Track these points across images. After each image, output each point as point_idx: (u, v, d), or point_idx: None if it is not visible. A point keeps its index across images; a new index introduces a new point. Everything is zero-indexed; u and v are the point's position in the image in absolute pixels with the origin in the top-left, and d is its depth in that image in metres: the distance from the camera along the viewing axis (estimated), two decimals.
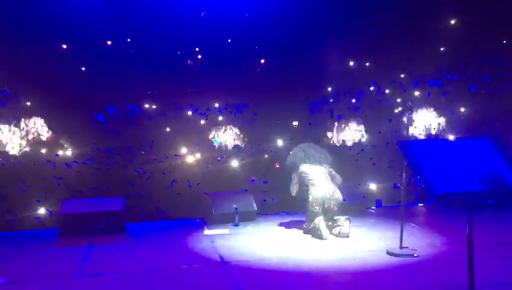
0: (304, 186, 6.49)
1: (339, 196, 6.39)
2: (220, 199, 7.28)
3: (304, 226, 6.49)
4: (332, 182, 6.47)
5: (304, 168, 6.49)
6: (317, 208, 6.28)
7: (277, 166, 10.49)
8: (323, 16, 20.14)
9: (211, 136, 14.42)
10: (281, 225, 7.03)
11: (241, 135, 14.48)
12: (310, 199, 6.33)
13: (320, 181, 6.36)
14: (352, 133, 14.89)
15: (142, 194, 8.87)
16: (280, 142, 12.58)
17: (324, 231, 6.12)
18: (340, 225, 6.28)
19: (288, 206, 8.00)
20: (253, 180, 8.33)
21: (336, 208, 6.36)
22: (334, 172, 6.65)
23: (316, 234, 6.19)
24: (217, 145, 13.87)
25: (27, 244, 6.39)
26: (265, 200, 8.23)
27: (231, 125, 14.85)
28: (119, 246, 6.21)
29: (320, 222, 6.18)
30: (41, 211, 7.71)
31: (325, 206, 6.30)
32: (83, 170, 10.10)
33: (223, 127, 14.77)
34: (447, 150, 3.18)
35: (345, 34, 19.28)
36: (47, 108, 15.31)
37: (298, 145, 6.85)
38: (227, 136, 14.51)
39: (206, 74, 19.29)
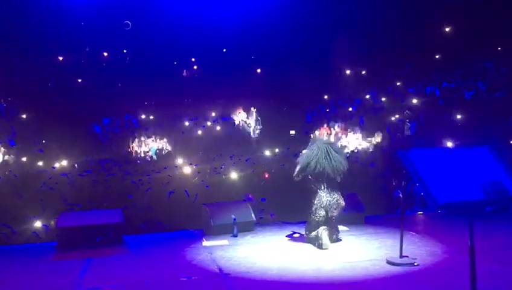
0: (310, 185, 6.32)
1: (342, 204, 6.33)
2: (218, 210, 7.24)
3: (305, 234, 6.44)
4: (336, 190, 6.31)
5: (316, 170, 6.18)
6: (321, 216, 6.19)
7: (266, 176, 10.48)
8: (319, 26, 20.27)
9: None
10: (280, 235, 6.99)
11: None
12: (314, 206, 6.23)
13: (327, 188, 6.24)
14: (353, 140, 14.96)
15: (140, 206, 8.83)
16: (273, 151, 12.58)
17: (326, 240, 6.08)
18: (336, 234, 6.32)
19: (287, 216, 7.97)
20: (250, 198, 8.25)
21: (336, 216, 6.30)
22: (338, 179, 6.31)
23: (317, 243, 6.15)
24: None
25: (25, 258, 6.33)
26: (261, 218, 8.18)
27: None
28: (117, 259, 6.16)
29: (323, 231, 6.12)
30: (39, 224, 7.65)
31: (328, 215, 6.24)
32: (80, 182, 10.06)
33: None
34: (447, 159, 3.18)
35: (341, 42, 19.38)
36: (43, 120, 15.29)
37: (319, 141, 6.40)
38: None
39: (202, 84, 19.34)
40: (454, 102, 15.25)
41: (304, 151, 6.49)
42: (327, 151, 6.20)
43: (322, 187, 6.25)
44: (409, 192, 8.14)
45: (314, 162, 6.18)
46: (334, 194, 6.25)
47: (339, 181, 6.28)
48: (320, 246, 6.09)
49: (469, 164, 3.16)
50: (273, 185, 9.82)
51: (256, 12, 21.17)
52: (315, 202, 6.25)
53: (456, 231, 6.56)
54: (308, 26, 20.29)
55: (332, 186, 6.26)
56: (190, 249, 6.38)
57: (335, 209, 6.23)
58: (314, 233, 6.22)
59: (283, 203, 8.69)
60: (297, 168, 6.37)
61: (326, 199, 6.21)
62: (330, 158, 6.17)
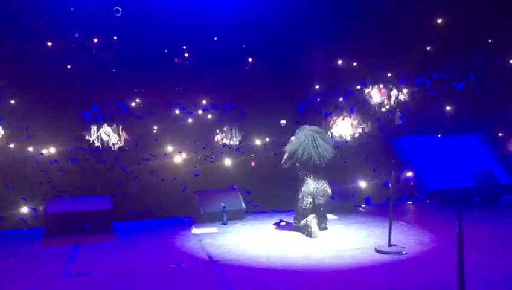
0: (297, 172, 6.37)
1: (328, 192, 6.36)
2: (208, 198, 7.23)
3: (294, 222, 6.46)
4: (323, 178, 6.34)
5: (303, 158, 6.22)
6: (308, 203, 6.23)
7: (252, 164, 10.48)
8: (311, 15, 20.21)
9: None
10: (269, 223, 7.00)
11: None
12: (301, 193, 6.27)
13: (314, 176, 6.27)
14: (345, 127, 15.00)
15: (129, 193, 8.79)
16: (263, 140, 12.57)
17: (315, 228, 6.10)
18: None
19: (277, 204, 7.98)
20: (234, 188, 8.23)
21: (323, 203, 6.31)
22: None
23: (306, 231, 6.17)
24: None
25: (13, 244, 6.28)
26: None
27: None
28: (106, 246, 6.13)
29: (312, 219, 6.14)
30: (26, 210, 7.59)
31: (315, 202, 6.26)
32: (68, 169, 9.99)
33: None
34: (438, 147, 3.18)
35: (333, 33, 19.38)
36: (32, 107, 15.14)
37: (306, 129, 6.38)
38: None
39: (193, 72, 19.24)
40: (445, 93, 15.32)
41: (291, 138, 6.52)
42: (314, 138, 6.23)
43: (309, 175, 6.28)
44: (398, 182, 8.18)
45: (301, 149, 6.22)
46: (321, 182, 6.28)
47: (323, 166, 6.28)
48: (309, 235, 6.11)
49: (459, 152, 3.17)
50: (263, 174, 9.83)
51: (249, 3, 21.07)
52: (302, 189, 6.29)
53: (444, 221, 6.61)
54: (301, 16, 20.24)
55: (319, 174, 6.29)
56: (179, 237, 6.36)
57: (322, 196, 6.26)
58: (303, 221, 6.24)
59: (273, 192, 8.70)
60: (285, 155, 6.41)
61: (313, 186, 6.24)
62: (317, 145, 6.21)
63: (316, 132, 6.35)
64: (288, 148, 6.39)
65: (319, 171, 6.29)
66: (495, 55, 16.87)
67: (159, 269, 5.17)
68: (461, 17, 18.52)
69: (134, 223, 7.31)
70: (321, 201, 6.28)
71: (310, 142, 6.21)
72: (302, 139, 6.26)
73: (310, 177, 6.28)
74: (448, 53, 17.70)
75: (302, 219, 6.27)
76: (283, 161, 6.43)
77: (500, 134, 12.31)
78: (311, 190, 6.24)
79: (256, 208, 8.29)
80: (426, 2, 19.06)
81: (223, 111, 17.03)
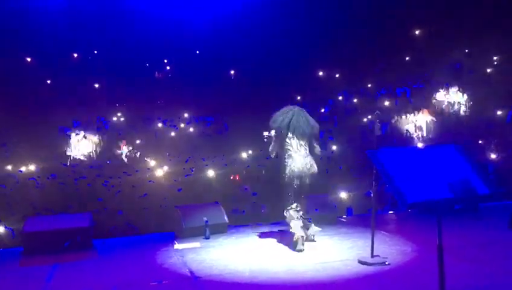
0: (283, 153, 6.34)
1: (314, 170, 6.32)
2: (190, 212, 7.16)
3: (286, 213, 6.30)
4: (310, 155, 6.34)
5: (287, 136, 6.27)
6: (294, 182, 6.17)
7: (236, 177, 10.44)
8: (292, 27, 20.37)
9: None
10: (252, 236, 6.96)
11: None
12: (287, 171, 6.21)
13: (299, 154, 6.24)
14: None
15: (110, 209, 8.68)
16: (248, 153, 12.53)
17: (300, 246, 6.02)
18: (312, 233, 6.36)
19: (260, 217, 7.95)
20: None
21: (308, 182, 6.28)
22: (315, 143, 6.48)
23: (291, 239, 6.12)
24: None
25: None
26: (244, 212, 8.19)
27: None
28: (86, 264, 6.02)
29: (299, 238, 6.05)
30: (2, 229, 7.42)
31: (301, 180, 6.22)
32: (48, 186, 9.82)
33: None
34: (415, 158, 3.19)
35: (314, 44, 19.54)
36: (11, 122, 14.90)
37: (287, 108, 6.48)
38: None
39: (175, 85, 19.18)
40: (425, 103, 15.51)
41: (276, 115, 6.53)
42: (299, 112, 6.41)
43: (296, 148, 6.25)
44: (379, 192, 8.22)
45: (288, 118, 6.31)
46: (307, 158, 6.29)
47: (309, 141, 6.36)
48: (294, 246, 6.06)
49: (437, 163, 3.18)
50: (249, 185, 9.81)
51: (229, 15, 21.16)
52: (288, 162, 6.22)
53: (426, 230, 6.63)
54: (281, 29, 20.37)
55: (305, 152, 6.29)
56: (161, 253, 6.28)
57: (308, 169, 6.22)
58: (291, 230, 6.14)
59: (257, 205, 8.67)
60: (273, 138, 6.40)
61: (299, 160, 6.20)
62: (304, 117, 6.38)
63: (299, 110, 6.48)
64: (275, 119, 6.43)
65: (304, 147, 6.30)
66: (471, 64, 17.17)
67: (141, 286, 5.08)
68: (439, 27, 18.86)
69: (115, 240, 7.20)
70: (307, 181, 6.25)
71: (297, 115, 6.36)
72: (290, 114, 6.38)
73: (295, 151, 6.24)
74: (426, 63, 17.97)
75: (290, 200, 6.20)
76: (271, 149, 6.45)
77: (480, 141, 12.46)
78: (299, 165, 6.19)
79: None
80: (404, 13, 19.37)
81: (205, 124, 16.96)
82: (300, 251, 6.00)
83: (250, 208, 8.73)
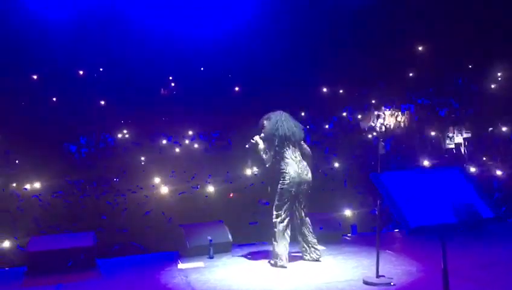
0: (277, 162, 6.15)
1: (310, 176, 6.22)
2: (194, 231, 7.13)
3: (273, 218, 6.16)
4: (304, 160, 6.24)
5: (281, 143, 6.12)
6: (293, 189, 6.04)
7: (231, 195, 10.38)
8: (296, 44, 20.50)
9: None
10: (256, 255, 6.91)
11: None
12: (287, 179, 6.03)
13: (295, 160, 6.15)
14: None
15: (114, 228, 8.65)
16: (252, 169, 12.49)
17: (285, 262, 6.03)
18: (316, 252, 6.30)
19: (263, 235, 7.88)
20: (266, 203, 8.12)
21: (307, 190, 6.18)
22: (304, 145, 6.39)
23: (274, 260, 6.09)
24: None
25: None
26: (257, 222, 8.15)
27: None
28: (89, 284, 5.99)
29: (284, 252, 6.04)
30: (7, 248, 7.41)
31: (300, 187, 6.11)
32: (53, 204, 9.82)
33: None
34: (419, 181, 3.18)
35: (317, 61, 19.64)
36: (17, 139, 14.98)
37: (274, 115, 6.30)
38: None
39: (179, 102, 19.29)
40: (429, 119, 15.51)
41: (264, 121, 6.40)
42: (286, 117, 6.28)
43: (290, 153, 6.14)
44: (384, 210, 8.17)
45: (280, 123, 6.17)
46: (302, 162, 6.21)
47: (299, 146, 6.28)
48: (275, 264, 6.05)
49: (441, 186, 3.17)
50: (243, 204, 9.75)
51: (234, 32, 21.34)
52: (286, 169, 6.06)
53: (432, 249, 6.53)
54: (285, 45, 20.51)
55: (299, 157, 6.20)
56: (165, 272, 6.25)
57: (306, 174, 6.14)
58: (275, 250, 6.09)
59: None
60: (269, 153, 6.20)
61: (297, 166, 6.09)
62: (294, 123, 6.30)
63: (285, 116, 6.34)
64: (267, 125, 6.25)
65: (297, 151, 6.20)
66: (474, 80, 17.21)
67: None
68: (441, 44, 18.93)
69: (118, 259, 7.17)
70: (305, 187, 6.14)
71: (285, 119, 6.24)
72: (278, 118, 6.25)
73: (291, 156, 6.13)
74: (430, 79, 18.00)
75: (282, 204, 6.06)
76: (266, 158, 6.21)
77: (483, 158, 12.43)
78: (299, 171, 6.07)
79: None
80: (408, 30, 19.48)
81: (210, 140, 17.00)
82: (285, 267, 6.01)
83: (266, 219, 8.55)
